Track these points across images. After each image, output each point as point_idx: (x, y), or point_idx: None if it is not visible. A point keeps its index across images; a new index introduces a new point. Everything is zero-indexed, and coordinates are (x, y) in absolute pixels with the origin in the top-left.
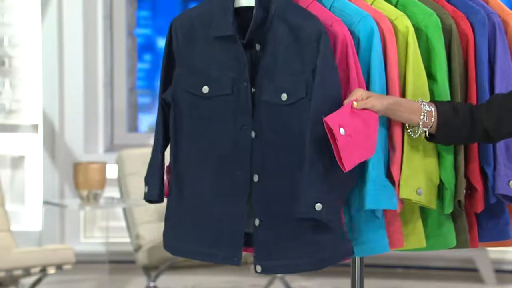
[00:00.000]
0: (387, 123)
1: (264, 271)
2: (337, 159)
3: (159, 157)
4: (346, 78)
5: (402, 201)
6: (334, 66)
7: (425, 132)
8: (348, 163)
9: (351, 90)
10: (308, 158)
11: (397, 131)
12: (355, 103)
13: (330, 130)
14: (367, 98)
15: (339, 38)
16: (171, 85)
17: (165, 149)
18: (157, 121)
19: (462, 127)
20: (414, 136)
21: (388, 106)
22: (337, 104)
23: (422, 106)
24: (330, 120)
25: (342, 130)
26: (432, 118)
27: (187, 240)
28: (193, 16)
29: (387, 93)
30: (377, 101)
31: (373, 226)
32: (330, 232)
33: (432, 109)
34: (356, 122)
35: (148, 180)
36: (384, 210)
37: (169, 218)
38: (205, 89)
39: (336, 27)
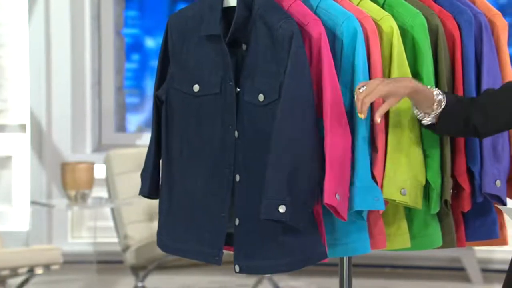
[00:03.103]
0: (370, 124)
1: (242, 271)
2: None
3: (153, 153)
4: (320, 76)
5: (386, 201)
6: (305, 67)
7: (433, 119)
8: (346, 212)
9: (324, 88)
10: (272, 159)
11: (379, 132)
12: (378, 119)
13: (330, 206)
14: (387, 97)
15: (314, 37)
16: (165, 82)
17: (159, 145)
18: (152, 117)
19: (460, 121)
20: (422, 121)
21: (407, 95)
22: (306, 105)
23: (435, 95)
24: (329, 198)
25: (337, 196)
26: (440, 108)
27: (176, 238)
28: (187, 16)
29: None
30: (394, 98)
31: (356, 227)
32: (305, 234)
33: (441, 99)
34: (343, 173)
35: (142, 176)
36: (368, 212)
37: (161, 215)
38: (196, 87)
39: (312, 26)
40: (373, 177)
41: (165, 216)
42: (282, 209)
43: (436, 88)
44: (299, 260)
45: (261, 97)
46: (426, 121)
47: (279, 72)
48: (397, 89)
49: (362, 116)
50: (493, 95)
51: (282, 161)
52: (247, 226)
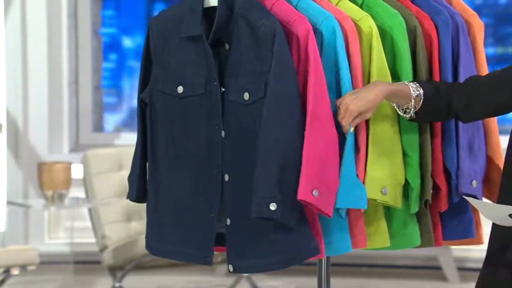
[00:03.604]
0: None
1: (236, 271)
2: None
3: (139, 156)
4: (306, 73)
5: (368, 201)
6: (289, 65)
7: (412, 112)
8: (329, 209)
9: (311, 85)
10: (260, 157)
11: (361, 132)
12: (352, 129)
13: (306, 202)
14: (357, 114)
15: (301, 34)
16: (148, 85)
17: (145, 148)
18: (137, 120)
19: (440, 108)
20: (400, 113)
21: (380, 101)
22: (292, 103)
23: (411, 91)
24: (303, 194)
25: (315, 192)
26: (421, 102)
27: (164, 239)
28: (168, 17)
29: None
30: (368, 113)
31: (337, 226)
32: (296, 231)
33: (420, 93)
34: (324, 169)
35: (129, 180)
36: (348, 210)
37: (148, 218)
38: (180, 89)
39: (299, 24)
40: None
41: (152, 219)
42: (273, 206)
43: (412, 82)
44: (292, 257)
45: (246, 96)
46: (407, 116)
47: (263, 70)
48: (369, 103)
49: (346, 134)
50: (476, 83)
51: (270, 160)
52: (239, 225)
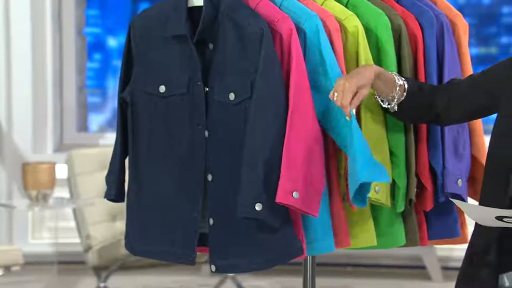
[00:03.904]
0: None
1: (218, 271)
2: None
3: (118, 156)
4: (289, 72)
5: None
6: (276, 65)
7: (395, 104)
8: (313, 209)
9: (293, 84)
10: (246, 157)
11: None
12: (353, 110)
13: (285, 204)
14: (357, 87)
15: (284, 33)
16: (129, 84)
17: (125, 148)
18: (117, 120)
19: (421, 106)
20: (383, 105)
21: (373, 79)
22: (279, 104)
23: (396, 79)
24: (282, 197)
25: (295, 194)
26: (404, 93)
27: (146, 240)
28: (151, 16)
29: None
30: (366, 88)
31: (320, 226)
32: (279, 231)
33: (403, 84)
34: (305, 169)
35: (107, 179)
36: (331, 209)
37: (129, 218)
38: (162, 88)
39: (282, 23)
40: (334, 174)
41: (133, 219)
42: (258, 207)
43: (395, 73)
44: (275, 257)
45: (232, 95)
46: (391, 107)
47: (250, 70)
48: (364, 79)
49: (348, 118)
50: (456, 86)
51: (256, 160)
52: (222, 225)
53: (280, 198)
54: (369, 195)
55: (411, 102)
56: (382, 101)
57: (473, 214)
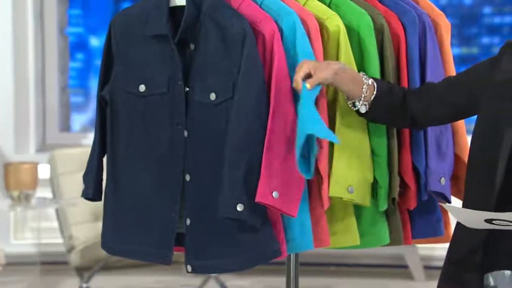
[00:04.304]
0: None
1: (194, 271)
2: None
3: (96, 154)
4: (271, 73)
5: (330, 199)
6: (258, 66)
7: (365, 105)
8: (292, 209)
9: (274, 85)
10: (228, 158)
11: None
12: (308, 85)
13: (265, 204)
14: (315, 70)
15: (267, 34)
16: (109, 83)
17: (103, 147)
18: (95, 118)
19: (393, 107)
20: (354, 109)
21: (337, 71)
22: (261, 106)
23: (363, 78)
24: (262, 196)
25: (275, 194)
26: (374, 92)
27: (123, 239)
28: (131, 15)
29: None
30: (326, 72)
31: (298, 224)
32: (258, 231)
33: (372, 83)
34: (285, 169)
35: (84, 178)
36: (311, 209)
37: (106, 217)
38: (142, 87)
39: (264, 23)
40: (318, 173)
41: (110, 217)
42: (240, 207)
43: (363, 73)
44: (253, 258)
45: (212, 96)
46: (361, 107)
47: (232, 71)
48: (325, 63)
49: (298, 88)
50: (433, 88)
51: (238, 161)
52: (199, 226)
53: (259, 197)
54: (341, 195)
55: (381, 102)
56: (353, 103)
57: (461, 217)
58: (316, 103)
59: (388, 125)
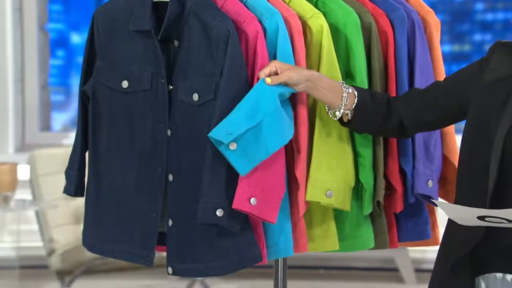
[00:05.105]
0: (294, 122)
1: (175, 273)
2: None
3: (78, 150)
4: (254, 73)
5: (307, 203)
6: (242, 67)
7: (347, 114)
8: (271, 216)
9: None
10: (209, 161)
11: (302, 132)
12: (268, 80)
13: (242, 211)
14: (283, 71)
15: (250, 35)
16: (91, 78)
17: (85, 143)
18: (77, 114)
19: (377, 115)
20: (335, 119)
21: (308, 78)
22: None
23: (342, 87)
24: (239, 203)
25: (253, 201)
26: (355, 100)
27: (104, 237)
28: (115, 8)
29: (295, 96)
30: (295, 73)
31: (277, 229)
32: (239, 236)
33: (353, 91)
34: (264, 174)
35: (66, 174)
36: (291, 214)
37: (88, 214)
38: (125, 83)
39: (248, 23)
40: (294, 178)
41: (91, 215)
42: (219, 212)
43: (342, 82)
44: (234, 262)
45: (195, 96)
46: (343, 117)
47: (214, 72)
48: (296, 68)
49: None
50: (420, 93)
51: (219, 165)
52: (180, 227)
53: (236, 204)
54: (319, 199)
55: (364, 109)
56: (334, 113)
57: (454, 214)
58: (296, 108)
59: (374, 134)
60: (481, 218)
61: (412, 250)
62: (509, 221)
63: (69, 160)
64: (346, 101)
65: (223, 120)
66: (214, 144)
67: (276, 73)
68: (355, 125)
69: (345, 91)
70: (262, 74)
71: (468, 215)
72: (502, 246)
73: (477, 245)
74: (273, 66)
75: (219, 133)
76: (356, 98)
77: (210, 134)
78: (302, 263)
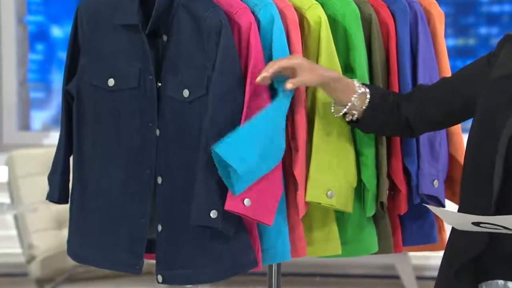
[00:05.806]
0: (290, 120)
1: (165, 281)
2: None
3: (62, 153)
4: (247, 66)
5: (307, 204)
6: (235, 60)
7: (353, 115)
8: (267, 217)
9: (249, 79)
10: (202, 162)
11: (300, 129)
12: (288, 85)
13: (235, 212)
14: (275, 65)
15: (243, 26)
16: (75, 76)
17: (70, 146)
18: (61, 115)
19: (387, 116)
20: (337, 115)
21: (325, 80)
22: (237, 102)
23: (356, 87)
24: (231, 204)
25: (247, 201)
26: (366, 101)
27: (90, 245)
28: (100, 2)
29: (293, 91)
30: (314, 76)
31: (276, 233)
32: (233, 239)
33: (366, 90)
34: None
35: (50, 179)
36: (288, 216)
37: (72, 221)
38: (111, 81)
39: (241, 15)
40: (292, 178)
41: (76, 222)
42: (213, 214)
43: (357, 80)
44: (227, 267)
45: (186, 92)
46: (352, 116)
47: (206, 65)
48: (312, 67)
49: (259, 78)
50: (426, 90)
51: (212, 164)
52: (171, 232)
53: (229, 205)
54: (319, 200)
55: (374, 112)
56: (339, 110)
57: (449, 219)
58: (294, 105)
59: (383, 134)
60: (476, 224)
61: (414, 257)
62: (504, 227)
63: (52, 164)
64: (356, 102)
65: (234, 137)
66: (212, 157)
67: (287, 69)
68: (363, 125)
69: (358, 91)
70: (267, 73)
71: (463, 221)
72: (504, 253)
73: (480, 252)
74: (272, 64)
75: (230, 155)
76: (367, 100)
77: (216, 150)
78: (297, 270)
